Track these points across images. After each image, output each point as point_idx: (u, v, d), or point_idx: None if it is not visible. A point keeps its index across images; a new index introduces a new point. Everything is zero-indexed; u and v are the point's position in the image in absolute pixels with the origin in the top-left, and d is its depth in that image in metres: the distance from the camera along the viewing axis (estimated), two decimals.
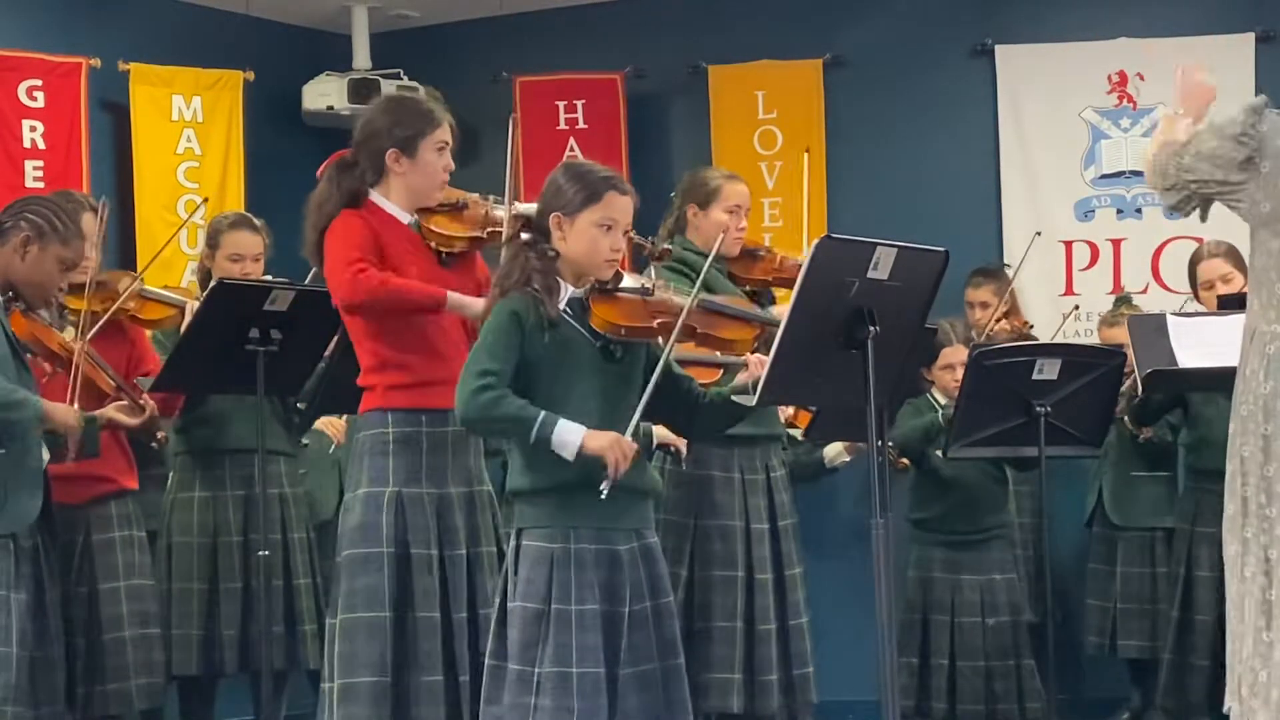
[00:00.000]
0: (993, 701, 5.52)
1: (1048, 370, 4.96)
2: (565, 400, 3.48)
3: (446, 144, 4.08)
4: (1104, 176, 7.02)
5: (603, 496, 3.40)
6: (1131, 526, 6.05)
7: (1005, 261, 6.72)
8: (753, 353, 3.80)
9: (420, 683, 3.92)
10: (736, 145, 7.19)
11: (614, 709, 3.47)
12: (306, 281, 4.77)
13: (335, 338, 4.49)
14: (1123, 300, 6.40)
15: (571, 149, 7.30)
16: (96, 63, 6.82)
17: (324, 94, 7.42)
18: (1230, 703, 3.56)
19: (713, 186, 4.91)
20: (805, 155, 3.99)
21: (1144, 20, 6.96)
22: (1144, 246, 6.84)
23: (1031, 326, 6.53)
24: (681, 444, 4.70)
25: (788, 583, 4.81)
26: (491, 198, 4.15)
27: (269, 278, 5.15)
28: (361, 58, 7.56)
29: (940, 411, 5.50)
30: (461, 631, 3.97)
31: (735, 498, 4.78)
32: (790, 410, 5.10)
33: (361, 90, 7.20)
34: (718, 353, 4.18)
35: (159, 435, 4.77)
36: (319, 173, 4.10)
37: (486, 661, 3.58)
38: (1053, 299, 6.88)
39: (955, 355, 5.52)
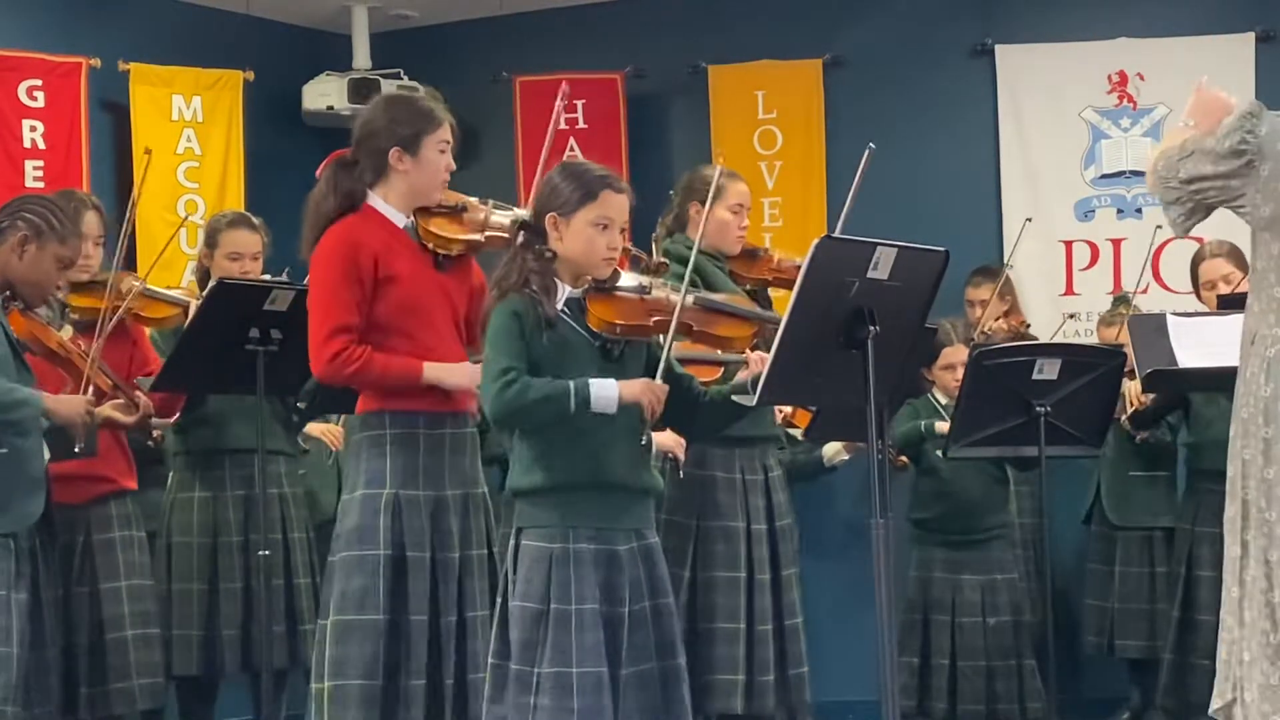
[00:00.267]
0: (993, 701, 5.52)
1: (1048, 370, 4.96)
2: None
3: (448, 143, 4.08)
4: (1104, 176, 7.02)
5: (644, 444, 3.51)
6: (1130, 526, 6.05)
7: (1005, 261, 6.72)
8: (752, 350, 3.80)
9: (411, 686, 3.92)
10: (736, 145, 7.19)
11: (614, 709, 3.47)
12: (305, 282, 4.76)
13: None
14: (1121, 300, 6.40)
15: (571, 149, 7.29)
16: (96, 63, 6.82)
17: (324, 94, 7.42)
18: (1218, 703, 3.56)
19: (715, 185, 4.90)
20: (867, 151, 3.94)
21: (1144, 20, 6.97)
22: (1144, 246, 6.82)
23: (1029, 326, 6.54)
24: (680, 452, 4.70)
25: (783, 583, 4.81)
26: (490, 202, 4.15)
27: (268, 277, 5.15)
28: (361, 58, 7.57)
29: (924, 422, 5.53)
30: (449, 635, 3.96)
31: (737, 498, 4.77)
32: (789, 409, 5.09)
33: (361, 90, 7.20)
34: (717, 350, 4.17)
35: (155, 434, 4.76)
36: (318, 173, 4.10)
37: (489, 661, 3.59)
38: (1053, 299, 6.88)
39: (955, 355, 5.53)
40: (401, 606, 3.93)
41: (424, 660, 3.92)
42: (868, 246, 3.38)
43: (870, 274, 3.36)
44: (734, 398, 3.63)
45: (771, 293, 4.96)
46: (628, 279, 3.66)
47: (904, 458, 5.58)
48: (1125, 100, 6.99)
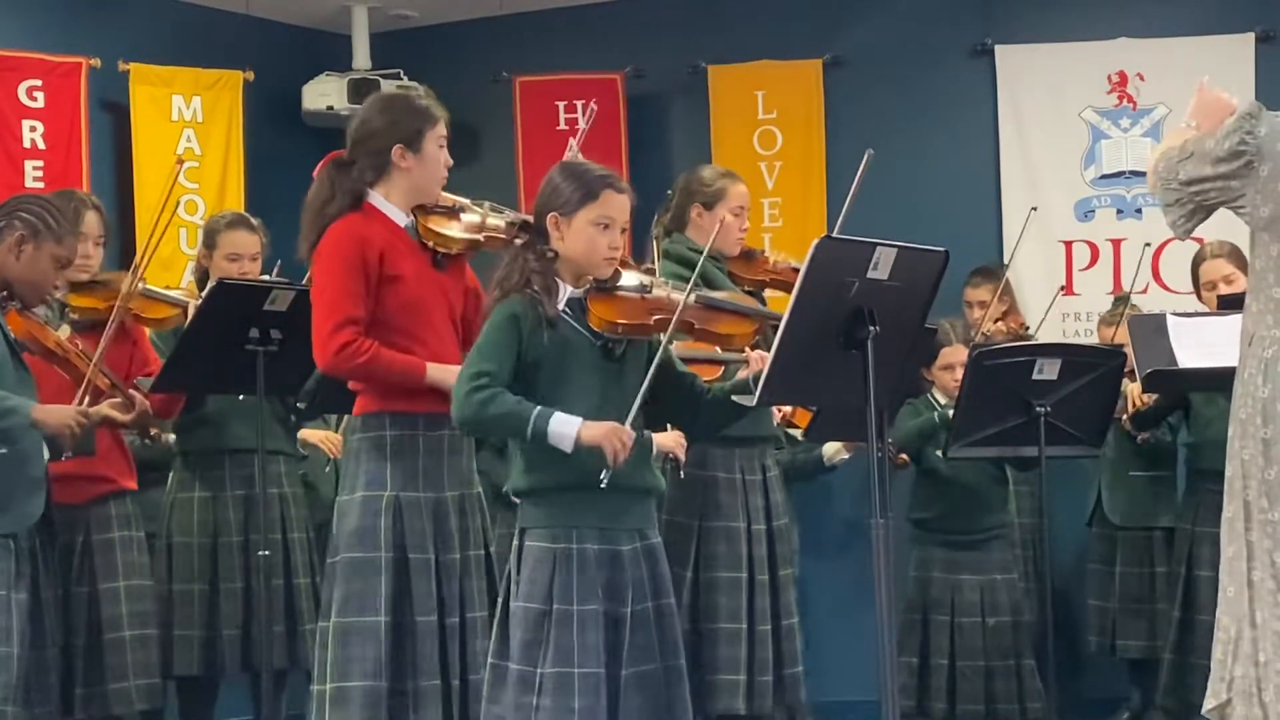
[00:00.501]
0: (993, 701, 5.52)
1: (1048, 370, 4.96)
2: (565, 400, 3.48)
3: (445, 139, 4.09)
4: (1104, 176, 7.03)
5: (602, 485, 3.39)
6: (1129, 526, 6.05)
7: (1005, 261, 6.72)
8: (753, 349, 3.80)
9: (420, 687, 3.91)
10: (736, 145, 7.20)
11: (615, 709, 3.47)
12: (303, 281, 4.76)
13: None
14: (1122, 300, 6.40)
15: (571, 149, 7.29)
16: (96, 63, 6.83)
17: (324, 94, 7.42)
18: (1212, 703, 3.56)
19: (717, 187, 4.91)
20: (866, 156, 3.92)
21: (1144, 20, 6.97)
22: (1144, 246, 6.84)
23: (1028, 327, 6.53)
24: (681, 452, 4.70)
25: (781, 583, 4.81)
26: (487, 204, 4.16)
27: (267, 277, 5.15)
28: (361, 58, 7.57)
29: (937, 411, 5.51)
30: (454, 636, 3.96)
31: (738, 499, 4.77)
32: (789, 409, 5.09)
33: (361, 90, 7.19)
34: (717, 348, 4.17)
35: (153, 432, 4.76)
36: (315, 173, 4.10)
37: (489, 661, 3.59)
38: (1053, 299, 6.88)
39: (955, 355, 5.52)
40: (406, 608, 3.92)
41: (434, 661, 3.92)
42: (868, 246, 3.37)
43: (870, 274, 3.36)
44: (734, 398, 3.63)
45: (767, 294, 4.95)
46: (629, 278, 3.66)
47: (904, 455, 5.57)
48: (1125, 100, 6.99)
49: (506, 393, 3.44)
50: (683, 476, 4.69)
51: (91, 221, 4.91)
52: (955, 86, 7.20)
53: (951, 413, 5.43)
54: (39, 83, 6.68)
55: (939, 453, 5.44)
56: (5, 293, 4.31)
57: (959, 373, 5.33)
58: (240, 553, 5.10)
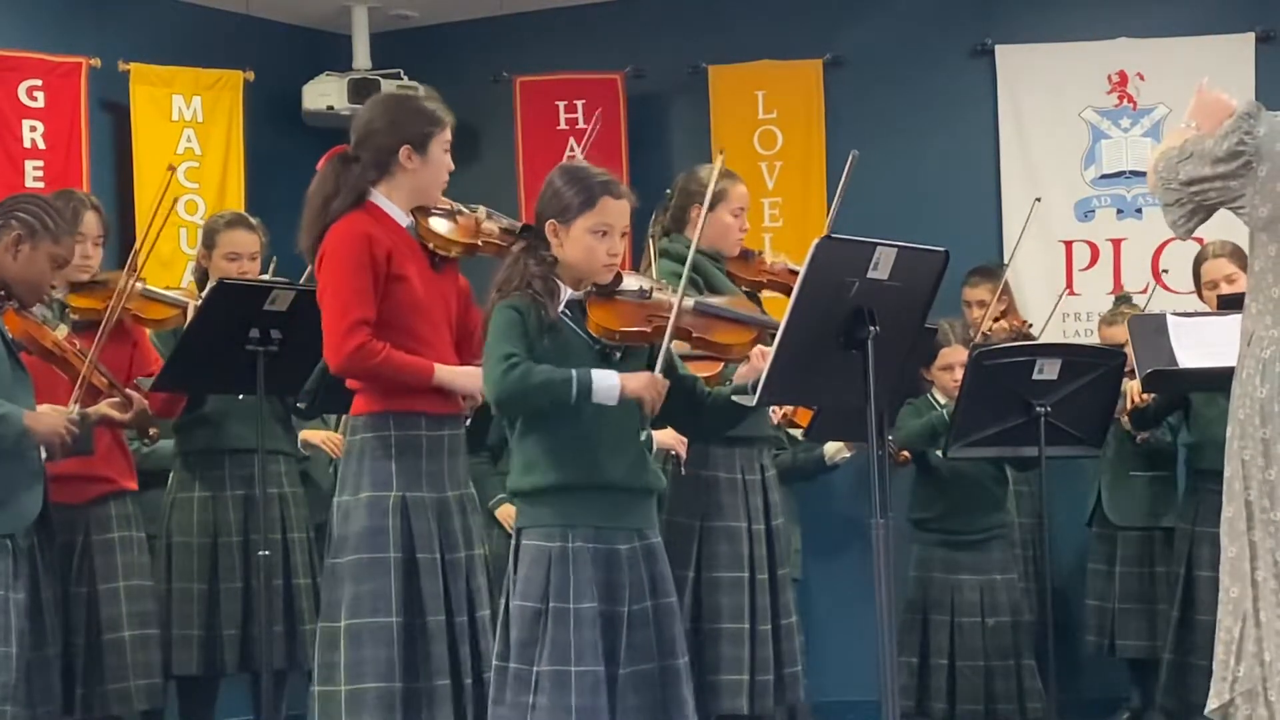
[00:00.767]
0: (993, 701, 5.52)
1: (1048, 370, 4.96)
2: None
3: (450, 143, 4.10)
4: (1104, 176, 7.03)
5: (642, 439, 3.52)
6: (1129, 526, 6.05)
7: (1005, 261, 6.72)
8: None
9: (432, 687, 3.91)
10: (736, 145, 7.19)
11: (613, 708, 3.47)
12: (302, 280, 4.76)
13: None
14: (1122, 300, 6.40)
15: (571, 149, 7.30)
16: (96, 63, 6.83)
17: (324, 94, 7.42)
18: (1214, 703, 3.56)
19: (718, 189, 4.90)
20: (851, 157, 3.92)
21: (1144, 20, 6.97)
22: (1144, 246, 6.85)
23: (1030, 325, 6.53)
24: (682, 450, 4.70)
25: (779, 582, 4.81)
26: (482, 209, 4.16)
27: (266, 277, 5.15)
28: (361, 58, 7.57)
29: (942, 410, 5.50)
30: (464, 635, 3.96)
31: (739, 498, 4.77)
32: (789, 408, 5.09)
33: (362, 90, 7.19)
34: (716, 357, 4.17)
35: (151, 431, 4.76)
36: (319, 165, 4.09)
37: (493, 662, 3.59)
38: (1053, 299, 6.88)
39: (955, 355, 5.51)
40: (416, 608, 3.92)
41: (445, 660, 3.92)
42: (868, 246, 3.38)
43: (870, 274, 3.36)
44: (734, 398, 3.63)
45: (763, 295, 4.94)
46: (630, 282, 3.66)
47: (906, 453, 5.56)
48: (1125, 100, 6.99)
49: (539, 365, 3.46)
50: (684, 474, 4.69)
51: (90, 222, 4.91)
52: (955, 86, 7.20)
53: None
54: (39, 83, 6.68)
55: (939, 452, 5.44)
56: (3, 292, 4.31)
57: (958, 373, 5.33)
58: (240, 552, 5.09)
